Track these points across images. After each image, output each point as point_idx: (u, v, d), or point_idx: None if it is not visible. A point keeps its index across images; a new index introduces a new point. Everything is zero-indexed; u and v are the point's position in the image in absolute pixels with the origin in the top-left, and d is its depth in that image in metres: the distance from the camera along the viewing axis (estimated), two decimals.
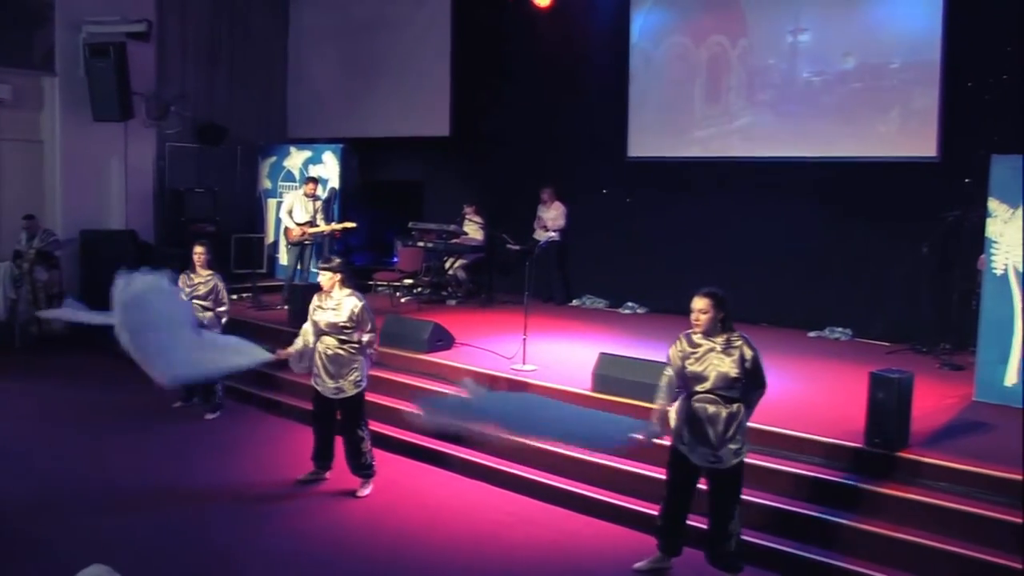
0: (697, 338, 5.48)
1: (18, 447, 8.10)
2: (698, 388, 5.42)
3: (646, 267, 12.43)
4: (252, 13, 15.60)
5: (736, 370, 5.35)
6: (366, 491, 7.11)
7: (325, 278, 7.07)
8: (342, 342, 6.97)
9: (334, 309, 6.98)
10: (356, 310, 6.95)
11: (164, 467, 7.73)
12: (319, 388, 7.10)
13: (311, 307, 7.15)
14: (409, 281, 13.32)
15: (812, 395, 8.14)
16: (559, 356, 9.34)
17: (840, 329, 10.88)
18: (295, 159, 14.38)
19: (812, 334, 10.93)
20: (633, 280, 12.61)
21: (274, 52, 15.95)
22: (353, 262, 13.91)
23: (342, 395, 7.01)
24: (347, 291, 7.05)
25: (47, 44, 13.16)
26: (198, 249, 9.23)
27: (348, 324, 6.94)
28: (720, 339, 5.43)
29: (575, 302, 13.05)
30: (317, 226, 12.45)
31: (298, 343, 7.17)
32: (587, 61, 12.95)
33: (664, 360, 7.72)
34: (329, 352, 6.99)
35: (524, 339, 8.88)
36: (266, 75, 15.85)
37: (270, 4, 15.87)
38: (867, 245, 10.70)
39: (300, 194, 12.66)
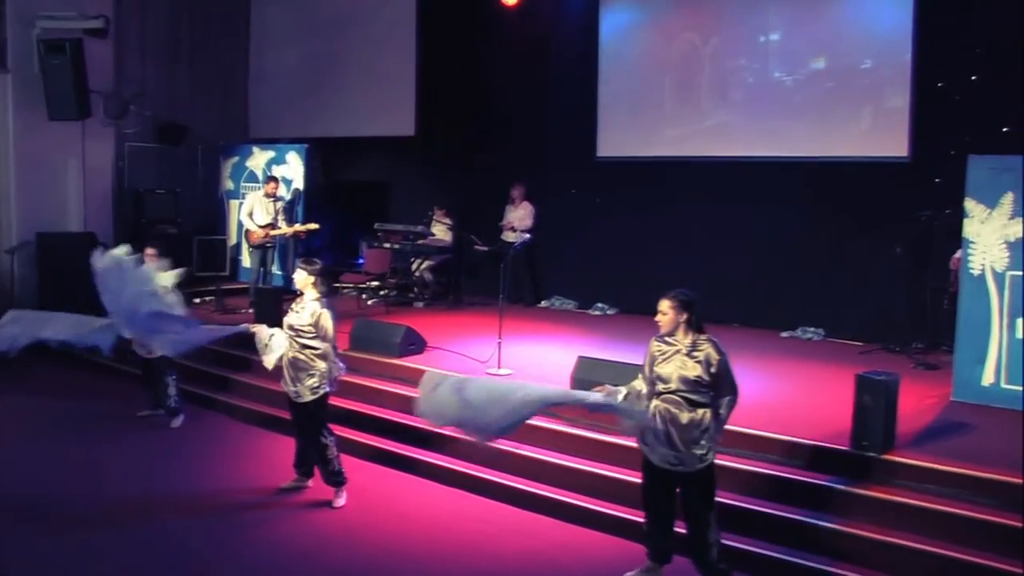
0: (669, 339, 5.47)
1: None
2: (661, 388, 5.40)
3: (615, 268, 12.34)
4: (213, 10, 15.29)
5: (698, 373, 5.32)
6: (341, 501, 6.94)
7: (300, 276, 6.92)
8: (303, 347, 6.83)
9: (297, 312, 6.87)
10: (316, 316, 6.80)
11: (131, 479, 7.48)
12: (286, 391, 6.99)
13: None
14: (375, 283, 13.12)
15: (790, 397, 8.08)
16: (533, 359, 9.22)
17: (812, 329, 10.85)
18: (258, 159, 14.10)
19: (784, 334, 10.90)
20: (603, 281, 12.52)
21: (235, 50, 15.64)
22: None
23: (300, 400, 6.88)
24: (315, 295, 6.90)
25: None
26: (148, 250, 9.01)
27: (308, 329, 6.79)
28: (687, 341, 5.41)
29: (544, 303, 12.93)
30: (279, 228, 12.21)
31: (278, 336, 7.00)
32: (555, 60, 12.84)
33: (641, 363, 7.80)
34: (289, 355, 6.89)
35: (499, 342, 8.74)
36: (227, 73, 15.54)
37: (231, 1, 15.56)
38: (839, 245, 10.68)
39: (260, 195, 12.40)
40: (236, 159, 14.45)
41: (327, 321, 6.82)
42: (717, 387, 5.35)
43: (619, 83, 12.31)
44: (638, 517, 6.01)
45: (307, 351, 6.82)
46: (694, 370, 5.32)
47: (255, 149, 14.30)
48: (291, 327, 6.85)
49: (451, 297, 12.87)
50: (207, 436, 8.77)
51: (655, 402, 5.44)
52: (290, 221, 12.64)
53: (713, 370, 5.32)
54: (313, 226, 12.47)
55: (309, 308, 6.83)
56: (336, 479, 6.98)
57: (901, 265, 10.01)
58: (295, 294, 7.13)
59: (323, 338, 6.81)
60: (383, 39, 13.96)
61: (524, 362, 8.94)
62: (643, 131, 12.11)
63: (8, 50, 12.72)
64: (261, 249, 12.24)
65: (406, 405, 8.32)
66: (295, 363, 6.85)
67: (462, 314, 12.00)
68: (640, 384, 5.57)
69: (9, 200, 12.89)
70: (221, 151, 14.71)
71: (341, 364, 7.08)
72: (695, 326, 5.45)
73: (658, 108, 12.03)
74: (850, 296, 10.65)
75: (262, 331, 7.05)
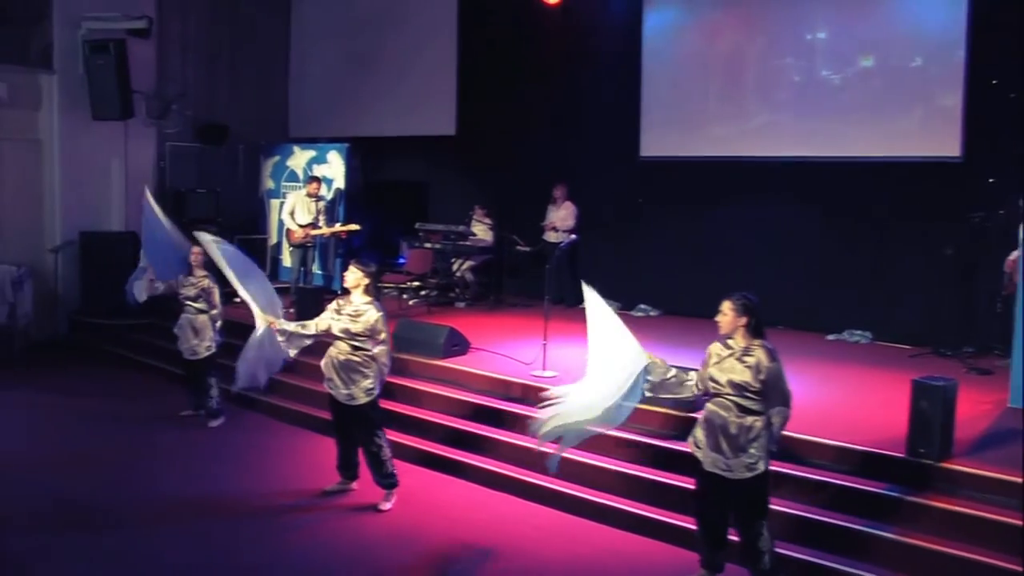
0: (728, 341, 5.43)
1: (21, 461, 7.80)
2: (713, 390, 5.38)
3: (658, 269, 12.21)
4: (253, 9, 15.31)
5: (746, 378, 5.24)
6: (388, 504, 6.88)
7: (353, 276, 6.80)
8: (355, 348, 6.76)
9: (351, 316, 6.76)
10: (372, 321, 6.72)
11: (175, 479, 7.49)
12: (333, 394, 6.89)
13: (330, 307, 6.94)
14: (416, 283, 13.05)
15: (839, 401, 7.92)
16: (579, 361, 9.02)
17: (859, 332, 10.68)
18: (299, 159, 14.09)
19: (831, 337, 10.73)
20: (645, 282, 12.38)
21: (275, 49, 15.67)
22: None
23: (353, 402, 6.81)
24: (367, 299, 6.83)
25: (45, 41, 12.88)
26: (195, 249, 9.04)
27: (363, 333, 6.72)
28: (742, 345, 5.34)
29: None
30: (319, 228, 12.19)
31: (302, 325, 7.01)
32: (598, 58, 12.68)
33: (691, 366, 7.69)
34: (341, 358, 6.79)
35: (544, 344, 8.64)
36: (267, 73, 15.56)
37: (271, 1, 15.58)
38: (887, 246, 10.51)
39: (302, 194, 12.40)
40: (277, 158, 14.45)
41: (384, 324, 6.77)
42: (767, 395, 5.25)
43: (663, 82, 12.16)
44: (690, 524, 5.92)
45: (360, 352, 6.75)
46: (742, 375, 5.26)
47: (296, 148, 14.29)
48: (344, 331, 6.73)
49: (492, 297, 12.78)
50: (250, 437, 8.76)
51: (708, 405, 5.42)
52: (331, 221, 12.62)
53: (762, 377, 5.23)
54: (354, 227, 12.45)
55: (365, 311, 6.73)
56: (389, 481, 6.92)
57: (952, 267, 9.80)
58: (336, 293, 7.07)
59: (380, 341, 6.75)
60: (424, 38, 13.91)
61: (569, 364, 8.79)
62: (687, 131, 11.96)
63: (54, 51, 12.82)
64: (302, 248, 12.24)
65: (450, 407, 8.35)
66: (348, 365, 6.76)
67: (504, 315, 11.91)
68: (693, 377, 5.54)
69: (54, 199, 13.01)
70: (262, 150, 14.71)
71: (388, 367, 7.02)
72: (755, 331, 5.36)
73: (702, 107, 11.88)
74: (898, 299, 10.46)
75: (286, 325, 7.05)
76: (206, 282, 8.97)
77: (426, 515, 6.82)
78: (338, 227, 12.51)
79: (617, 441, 7.20)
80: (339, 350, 6.80)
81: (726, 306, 5.40)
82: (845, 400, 7.96)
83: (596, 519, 6.72)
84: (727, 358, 5.35)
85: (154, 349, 11.49)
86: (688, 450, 6.37)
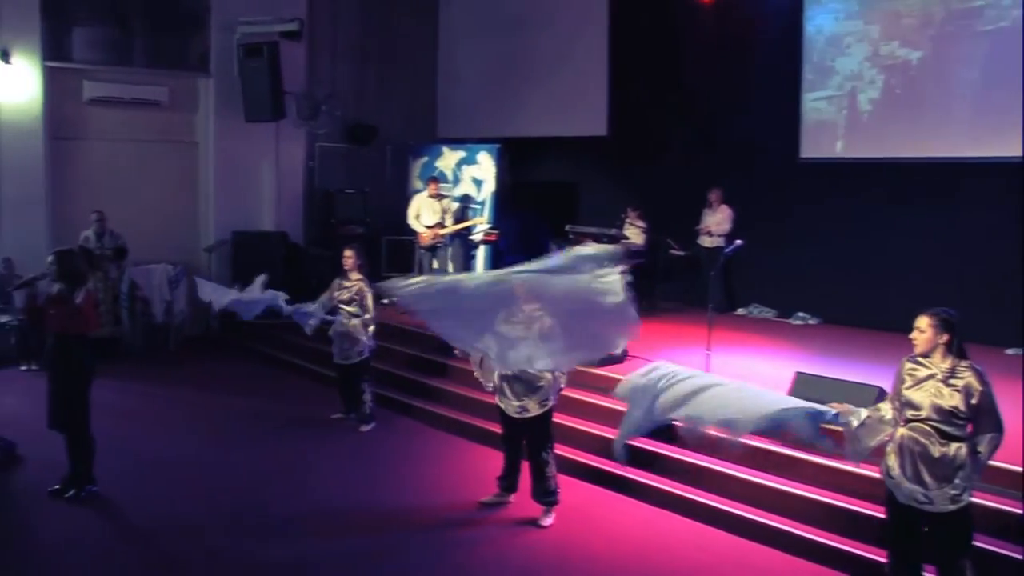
0: (922, 360, 4.89)
1: (172, 461, 7.84)
2: (910, 416, 4.84)
3: (817, 275, 11.62)
4: (402, 11, 15.32)
5: (955, 403, 4.71)
6: (548, 520, 6.60)
7: None
8: None
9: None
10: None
11: (329, 485, 7.40)
12: (504, 407, 6.62)
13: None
14: None
15: None
16: (740, 371, 8.60)
17: None
18: (448, 159, 13.99)
19: (1010, 351, 9.96)
20: (803, 289, 11.82)
21: (424, 50, 15.61)
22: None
23: (526, 415, 6.53)
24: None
25: (203, 46, 13.20)
26: (347, 252, 8.86)
27: None
28: (944, 366, 4.80)
29: (741, 311, 12.32)
30: (446, 226, 12.05)
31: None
32: (755, 56, 12.16)
33: (864, 380, 7.20)
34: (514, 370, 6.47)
35: (708, 353, 8.25)
36: (416, 74, 15.53)
37: (420, 2, 15.56)
38: None
39: (425, 196, 12.35)
40: (425, 159, 14.37)
41: None
42: (976, 421, 4.74)
43: (824, 81, 11.54)
44: (877, 556, 5.46)
45: None
46: (951, 399, 4.72)
47: (445, 149, 14.20)
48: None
49: (645, 303, 12.37)
50: (401, 443, 8.62)
51: (901, 431, 4.87)
52: (459, 220, 12.48)
53: (974, 402, 4.70)
54: (481, 220, 12.33)
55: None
56: (550, 499, 6.65)
57: None
58: None
59: None
60: (574, 37, 13.61)
61: (732, 374, 8.36)
62: (850, 131, 11.34)
63: (211, 56, 13.09)
64: (432, 250, 12.14)
65: (606, 418, 8.01)
66: (522, 377, 6.48)
67: (657, 321, 11.47)
68: (887, 409, 5.01)
69: (208, 200, 13.29)
70: (410, 151, 14.66)
71: (565, 376, 6.72)
72: (956, 350, 4.84)
73: (868, 106, 11.22)
74: None
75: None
76: (360, 285, 8.77)
77: (588, 532, 6.52)
78: (478, 219, 12.42)
79: (794, 461, 6.76)
80: None
81: (924, 322, 4.88)
82: None
83: (770, 544, 6.28)
84: (927, 380, 4.82)
85: (301, 349, 11.53)
86: (877, 476, 5.92)
